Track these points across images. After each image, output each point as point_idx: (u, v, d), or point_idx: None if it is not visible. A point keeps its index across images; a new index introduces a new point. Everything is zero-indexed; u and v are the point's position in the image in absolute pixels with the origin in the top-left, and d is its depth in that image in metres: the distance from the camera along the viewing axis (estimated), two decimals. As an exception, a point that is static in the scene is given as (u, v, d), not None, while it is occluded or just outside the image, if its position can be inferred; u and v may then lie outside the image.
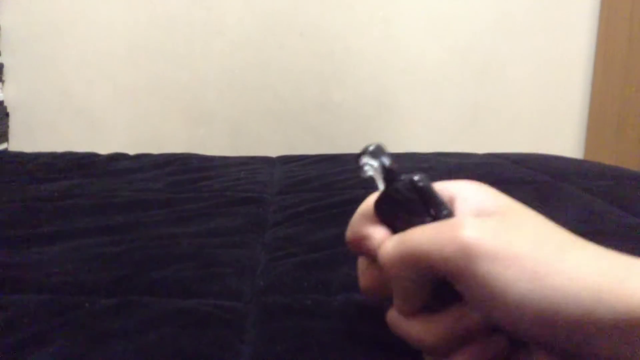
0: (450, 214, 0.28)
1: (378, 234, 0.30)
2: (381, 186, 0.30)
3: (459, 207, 0.28)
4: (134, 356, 0.32)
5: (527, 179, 0.77)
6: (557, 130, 1.81)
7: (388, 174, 0.30)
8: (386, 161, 0.30)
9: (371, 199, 0.31)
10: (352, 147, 1.50)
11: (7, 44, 1.67)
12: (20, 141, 1.71)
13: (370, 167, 0.30)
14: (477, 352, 0.27)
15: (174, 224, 0.57)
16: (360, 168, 0.30)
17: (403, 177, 0.29)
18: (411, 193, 0.29)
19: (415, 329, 0.28)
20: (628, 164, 1.55)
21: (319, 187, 0.74)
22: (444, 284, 0.27)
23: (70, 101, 1.71)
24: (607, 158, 1.67)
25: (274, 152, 1.09)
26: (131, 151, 1.02)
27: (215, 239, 0.52)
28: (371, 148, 0.30)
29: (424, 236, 0.26)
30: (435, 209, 0.28)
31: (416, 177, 0.29)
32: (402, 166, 0.30)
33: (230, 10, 1.68)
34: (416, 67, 1.74)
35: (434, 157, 0.95)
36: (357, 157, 0.30)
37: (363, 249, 0.31)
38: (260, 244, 0.53)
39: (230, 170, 0.84)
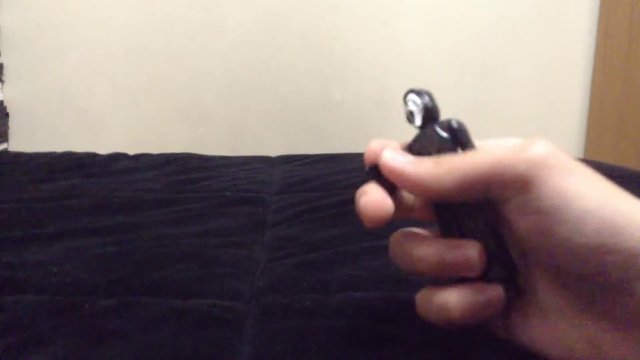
0: None
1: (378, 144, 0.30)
2: (418, 123, 0.31)
3: None
4: (133, 357, 0.32)
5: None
6: (557, 130, 1.81)
7: (428, 114, 0.30)
8: (429, 102, 0.30)
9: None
10: (352, 147, 1.50)
11: (7, 44, 1.67)
12: (20, 141, 1.71)
13: (414, 103, 0.31)
14: (471, 292, 0.27)
15: (173, 224, 0.57)
16: (404, 103, 0.31)
17: (441, 119, 0.30)
18: (447, 133, 0.29)
19: (411, 247, 0.29)
20: (628, 163, 1.55)
21: (318, 186, 0.74)
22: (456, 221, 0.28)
23: (70, 101, 1.71)
24: (607, 158, 1.67)
25: (273, 152, 1.09)
26: (131, 151, 1.02)
27: (214, 239, 0.52)
28: (419, 89, 0.31)
29: (488, 155, 0.26)
30: (465, 148, 0.29)
31: (452, 120, 0.29)
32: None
33: (230, 11, 1.68)
34: (416, 67, 1.74)
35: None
36: (405, 94, 0.31)
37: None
38: (260, 244, 0.53)
39: (229, 170, 0.84)
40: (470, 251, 0.27)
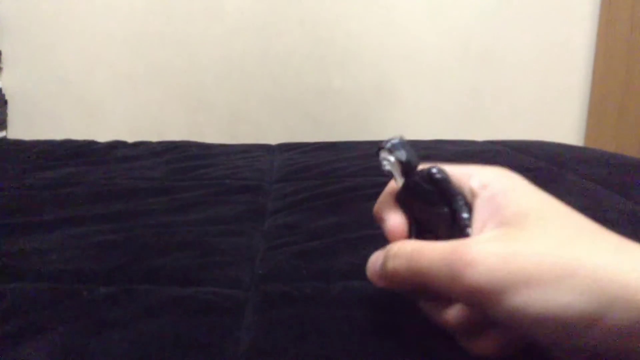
0: (466, 205, 0.29)
1: (392, 220, 0.32)
2: (399, 179, 0.31)
3: (477, 208, 0.29)
4: (132, 344, 0.32)
5: (528, 166, 0.77)
6: (558, 117, 1.80)
7: (405, 167, 0.31)
8: (403, 156, 0.31)
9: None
10: (351, 135, 1.49)
11: (6, 31, 1.66)
12: (19, 129, 1.71)
13: (388, 162, 0.31)
14: (499, 336, 0.28)
15: (173, 212, 0.57)
16: (379, 162, 0.32)
17: (420, 169, 0.30)
18: (428, 185, 0.30)
19: (439, 312, 0.30)
20: (628, 150, 1.55)
21: (318, 174, 0.74)
22: None
23: (69, 89, 1.71)
24: (608, 145, 1.66)
25: (273, 139, 1.08)
26: (130, 139, 1.02)
27: (214, 227, 0.52)
28: (388, 144, 0.31)
29: (433, 266, 0.27)
30: (452, 200, 0.29)
31: (433, 170, 0.30)
32: (420, 158, 0.31)
33: (229, -3, 1.66)
34: (416, 54, 1.72)
35: (434, 144, 0.95)
36: (376, 151, 0.32)
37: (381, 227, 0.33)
38: (260, 232, 0.52)
39: (229, 158, 0.84)
40: None
